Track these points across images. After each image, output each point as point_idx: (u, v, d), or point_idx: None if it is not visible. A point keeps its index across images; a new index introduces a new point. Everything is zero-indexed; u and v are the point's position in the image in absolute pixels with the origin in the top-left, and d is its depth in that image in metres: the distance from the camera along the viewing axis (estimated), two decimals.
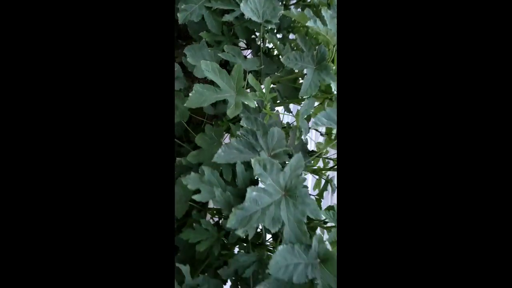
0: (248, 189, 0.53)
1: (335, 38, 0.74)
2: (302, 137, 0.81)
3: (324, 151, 1.00)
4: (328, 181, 0.84)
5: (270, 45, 1.07)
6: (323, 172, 0.86)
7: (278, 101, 0.98)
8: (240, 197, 0.55)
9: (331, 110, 0.60)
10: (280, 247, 0.52)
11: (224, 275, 0.72)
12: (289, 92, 1.00)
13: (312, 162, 0.95)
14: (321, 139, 1.23)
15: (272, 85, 0.95)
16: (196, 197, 0.56)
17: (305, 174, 0.84)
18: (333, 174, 0.92)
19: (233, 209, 0.52)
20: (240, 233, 0.52)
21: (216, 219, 0.88)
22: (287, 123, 1.12)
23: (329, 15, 0.79)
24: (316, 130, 1.18)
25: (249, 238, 0.57)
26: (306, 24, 0.68)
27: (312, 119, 0.63)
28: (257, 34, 1.03)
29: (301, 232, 0.55)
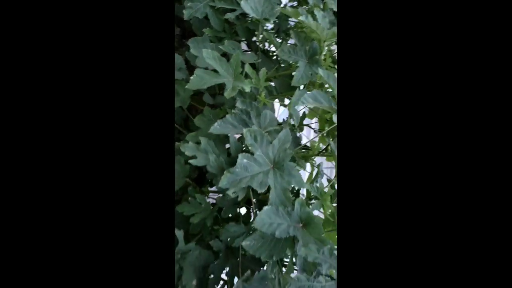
0: (240, 155, 0.59)
1: (325, 33, 0.81)
2: (294, 122, 0.88)
3: (316, 145, 1.06)
4: (317, 166, 0.89)
5: (270, 48, 1.15)
6: (312, 158, 0.92)
7: (274, 94, 1.05)
8: (232, 164, 0.61)
9: (318, 92, 0.67)
10: (265, 207, 0.57)
11: (215, 246, 0.77)
12: (285, 87, 1.07)
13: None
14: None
15: (270, 83, 1.03)
16: (192, 161, 0.62)
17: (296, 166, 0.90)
18: (321, 160, 0.98)
19: (225, 172, 0.58)
20: (231, 193, 0.58)
21: (212, 200, 0.93)
22: (283, 119, 1.19)
23: (321, 14, 0.87)
24: (309, 127, 1.24)
25: (239, 199, 0.63)
26: (298, 19, 0.76)
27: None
28: (257, 33, 1.11)
29: (286, 198, 0.61)
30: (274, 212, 0.58)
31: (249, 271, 0.66)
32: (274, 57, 1.15)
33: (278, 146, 0.64)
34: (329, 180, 1.03)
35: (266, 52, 1.19)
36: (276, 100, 1.02)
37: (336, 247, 0.57)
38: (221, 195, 0.82)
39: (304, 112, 1.09)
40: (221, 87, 1.00)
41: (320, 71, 0.73)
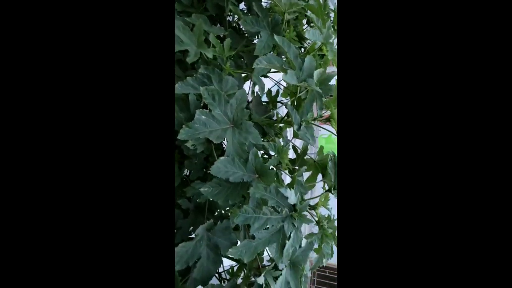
0: (197, 111, 0.64)
1: (283, 3, 0.86)
2: (259, 92, 0.93)
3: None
4: (283, 137, 0.95)
5: (242, 27, 1.19)
6: (281, 131, 0.98)
7: (244, 68, 1.09)
8: (191, 120, 0.66)
9: (272, 56, 0.72)
10: (221, 158, 0.63)
11: (184, 204, 0.83)
12: (254, 61, 1.12)
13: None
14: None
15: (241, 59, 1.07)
16: None
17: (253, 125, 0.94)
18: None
19: (183, 126, 0.63)
20: (189, 145, 0.63)
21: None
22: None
23: None
24: (281, 103, 1.30)
25: (197, 151, 0.68)
26: None
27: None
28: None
29: (242, 151, 0.66)
30: (230, 162, 0.63)
31: (211, 220, 0.72)
32: (246, 34, 1.20)
33: (236, 105, 0.69)
34: (293, 147, 1.09)
35: (236, 28, 1.23)
36: None
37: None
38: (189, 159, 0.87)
39: (278, 90, 1.15)
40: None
41: (277, 39, 0.78)
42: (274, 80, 1.23)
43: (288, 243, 0.62)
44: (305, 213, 0.78)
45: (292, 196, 0.62)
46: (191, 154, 0.85)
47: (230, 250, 0.59)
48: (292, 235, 0.62)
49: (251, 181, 0.64)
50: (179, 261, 0.67)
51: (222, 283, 0.83)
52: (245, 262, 0.58)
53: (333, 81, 0.87)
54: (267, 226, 0.60)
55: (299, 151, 1.09)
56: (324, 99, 0.91)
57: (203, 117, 0.65)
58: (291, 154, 1.14)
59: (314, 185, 1.00)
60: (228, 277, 0.84)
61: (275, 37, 0.77)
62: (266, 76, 1.19)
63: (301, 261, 0.82)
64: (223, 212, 0.90)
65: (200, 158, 0.86)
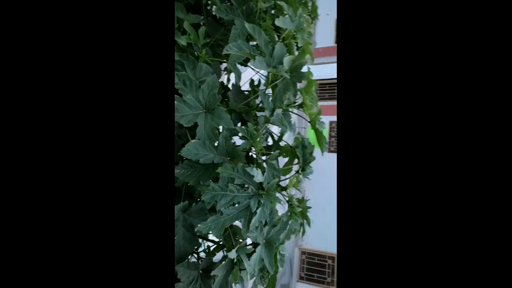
0: None
1: None
2: (236, 80, 0.96)
3: None
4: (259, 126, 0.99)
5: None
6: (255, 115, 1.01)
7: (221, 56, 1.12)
8: None
9: (243, 42, 0.75)
10: (192, 140, 0.66)
11: None
12: None
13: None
14: None
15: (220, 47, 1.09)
16: None
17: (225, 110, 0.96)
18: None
19: None
20: None
21: None
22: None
23: None
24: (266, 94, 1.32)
25: None
26: None
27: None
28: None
29: (213, 135, 0.70)
30: (201, 145, 0.66)
31: (186, 202, 0.75)
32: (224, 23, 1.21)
33: (207, 90, 0.72)
34: (271, 136, 1.13)
35: (216, 17, 1.25)
36: None
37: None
38: None
39: (259, 80, 1.18)
40: None
41: (248, 27, 0.81)
42: (255, 70, 1.25)
43: (254, 218, 0.65)
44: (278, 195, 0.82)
45: (259, 175, 0.65)
46: None
47: (199, 225, 0.63)
48: (258, 211, 0.66)
49: (221, 163, 0.67)
50: None
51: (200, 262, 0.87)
52: (214, 236, 0.62)
53: (305, 69, 0.90)
54: (235, 203, 0.63)
55: (276, 138, 1.12)
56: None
57: (176, 102, 0.68)
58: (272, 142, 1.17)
59: (291, 169, 1.04)
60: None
61: (246, 24, 0.79)
62: (245, 65, 1.22)
63: (275, 239, 0.86)
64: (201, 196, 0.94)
65: (177, 144, 0.89)
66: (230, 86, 1.08)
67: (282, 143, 1.11)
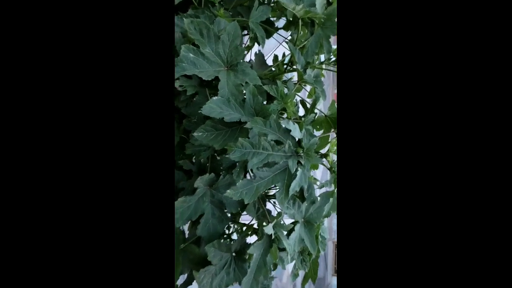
0: (183, 47, 0.57)
1: None
2: (260, 44, 0.85)
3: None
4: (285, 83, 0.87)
5: None
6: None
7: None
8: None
9: None
10: (214, 97, 0.56)
11: (185, 165, 0.77)
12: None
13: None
14: None
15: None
16: None
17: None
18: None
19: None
20: (177, 86, 0.56)
21: None
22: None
23: None
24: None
25: (188, 93, 0.61)
26: None
27: None
28: None
29: (238, 91, 0.59)
30: (224, 103, 0.56)
31: (212, 174, 0.65)
32: None
33: (228, 42, 0.61)
34: (302, 101, 1.01)
35: None
36: None
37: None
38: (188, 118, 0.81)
39: (284, 53, 1.06)
40: None
41: None
42: (278, 41, 1.13)
43: (294, 182, 0.54)
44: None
45: (296, 130, 0.54)
46: (189, 113, 0.79)
47: (228, 191, 0.53)
48: (298, 173, 0.54)
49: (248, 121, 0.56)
50: (180, 218, 0.61)
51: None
52: (246, 203, 0.52)
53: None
54: (270, 163, 0.52)
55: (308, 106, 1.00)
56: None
57: (191, 55, 0.58)
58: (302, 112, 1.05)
59: (328, 138, 0.92)
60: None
61: None
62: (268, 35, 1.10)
63: (315, 218, 0.75)
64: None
65: (200, 116, 0.80)
66: (252, 56, 0.97)
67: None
